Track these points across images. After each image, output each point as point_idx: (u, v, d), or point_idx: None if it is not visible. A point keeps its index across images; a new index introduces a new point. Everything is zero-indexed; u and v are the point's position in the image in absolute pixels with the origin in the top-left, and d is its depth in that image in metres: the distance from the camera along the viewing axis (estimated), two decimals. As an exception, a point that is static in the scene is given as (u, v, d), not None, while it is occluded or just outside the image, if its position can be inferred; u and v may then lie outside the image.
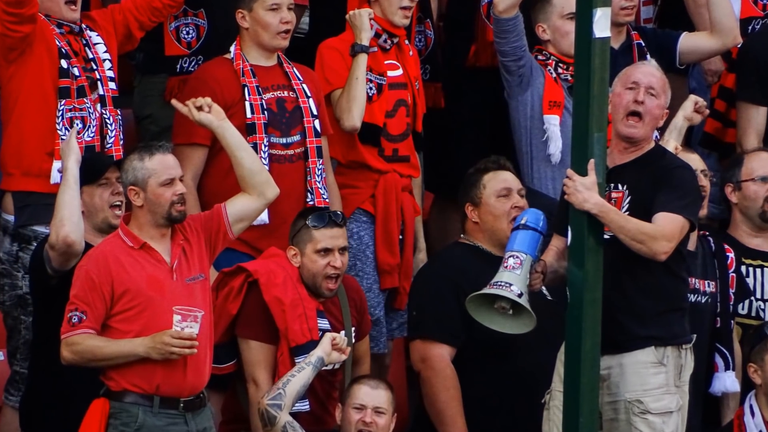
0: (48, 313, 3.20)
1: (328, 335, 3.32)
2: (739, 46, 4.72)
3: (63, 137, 3.50)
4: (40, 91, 3.61)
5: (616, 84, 3.28)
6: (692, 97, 4.30)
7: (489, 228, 3.83)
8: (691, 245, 3.71)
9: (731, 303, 4.21)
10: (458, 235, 4.08)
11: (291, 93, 3.97)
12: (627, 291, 3.15)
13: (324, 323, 3.45)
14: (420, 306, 3.88)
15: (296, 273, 3.47)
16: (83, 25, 3.77)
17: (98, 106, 3.73)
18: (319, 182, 3.91)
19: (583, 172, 3.06)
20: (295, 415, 3.25)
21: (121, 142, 3.84)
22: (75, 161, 3.20)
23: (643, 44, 4.70)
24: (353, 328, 3.58)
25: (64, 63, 3.64)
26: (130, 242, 3.00)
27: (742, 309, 4.29)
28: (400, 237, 4.28)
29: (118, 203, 3.33)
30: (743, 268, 4.28)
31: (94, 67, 3.75)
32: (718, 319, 4.14)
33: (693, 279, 3.83)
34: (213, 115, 3.27)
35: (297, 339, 3.35)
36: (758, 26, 4.93)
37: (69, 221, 3.08)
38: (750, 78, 4.71)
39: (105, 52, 3.81)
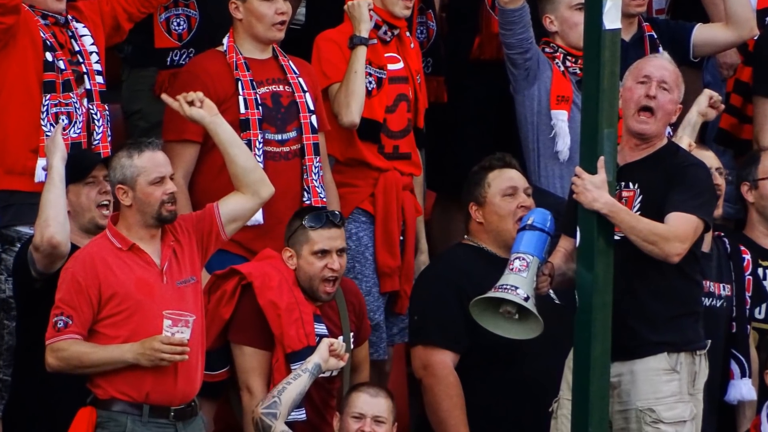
0: (32, 317, 3.19)
1: (326, 341, 3.32)
2: (755, 38, 4.72)
3: (48, 133, 3.50)
4: (24, 85, 3.61)
5: (626, 78, 3.28)
6: (707, 92, 4.30)
7: (494, 228, 3.83)
8: (706, 246, 3.71)
9: (747, 307, 4.21)
10: (461, 236, 4.08)
11: (287, 87, 3.97)
12: (638, 294, 3.16)
13: (321, 328, 3.45)
14: (421, 310, 3.88)
15: (292, 276, 3.47)
16: (69, 16, 3.77)
17: (85, 100, 3.73)
18: (316, 181, 3.91)
19: (592, 170, 3.06)
20: (290, 424, 3.25)
21: (109, 139, 3.84)
22: (60, 159, 3.20)
23: (655, 36, 4.70)
24: (352, 334, 3.58)
25: (49, 56, 3.64)
26: (118, 243, 3.00)
27: (759, 313, 4.29)
28: (401, 238, 4.28)
29: (105, 203, 3.33)
30: (760, 271, 4.28)
31: (81, 60, 3.75)
32: (734, 323, 4.14)
33: (707, 282, 3.83)
34: (205, 111, 3.27)
35: (293, 345, 3.35)
36: (776, 18, 4.93)
37: (54, 221, 3.08)
38: (767, 71, 4.71)
39: (92, 44, 3.81)
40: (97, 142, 3.76)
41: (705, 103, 4.16)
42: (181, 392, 2.99)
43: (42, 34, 3.64)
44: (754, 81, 4.82)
